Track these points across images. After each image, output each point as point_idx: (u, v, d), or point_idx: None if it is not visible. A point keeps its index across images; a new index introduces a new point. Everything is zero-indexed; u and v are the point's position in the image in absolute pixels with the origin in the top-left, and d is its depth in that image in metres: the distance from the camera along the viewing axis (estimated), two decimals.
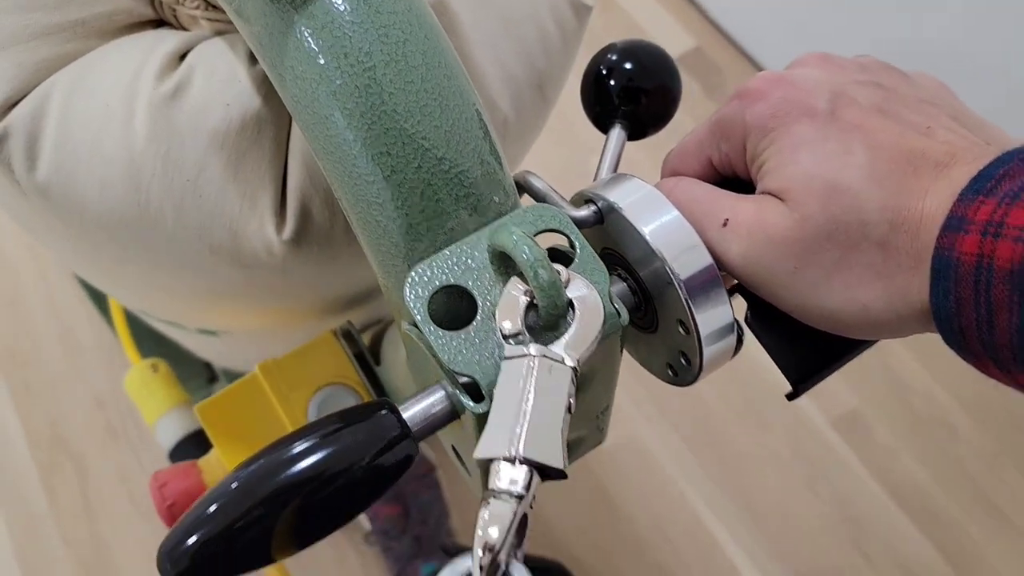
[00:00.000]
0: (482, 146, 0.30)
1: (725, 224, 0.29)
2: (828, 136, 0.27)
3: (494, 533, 0.23)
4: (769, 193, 0.28)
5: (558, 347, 0.26)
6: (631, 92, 0.35)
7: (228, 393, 0.49)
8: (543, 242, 0.29)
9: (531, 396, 0.25)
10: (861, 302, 0.27)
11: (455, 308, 0.29)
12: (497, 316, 0.27)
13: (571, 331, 0.26)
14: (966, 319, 0.24)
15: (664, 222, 0.29)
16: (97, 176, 0.34)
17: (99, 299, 1.08)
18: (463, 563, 0.25)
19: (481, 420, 0.28)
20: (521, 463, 0.24)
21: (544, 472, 0.25)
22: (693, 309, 0.29)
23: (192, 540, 0.27)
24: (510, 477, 0.24)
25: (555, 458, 0.25)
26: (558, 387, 0.26)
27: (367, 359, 0.53)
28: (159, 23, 0.38)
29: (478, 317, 0.28)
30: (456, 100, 0.29)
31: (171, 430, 0.73)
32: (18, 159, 0.34)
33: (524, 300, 0.27)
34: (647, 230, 0.29)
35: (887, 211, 0.26)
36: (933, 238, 0.24)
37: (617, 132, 0.35)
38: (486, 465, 0.25)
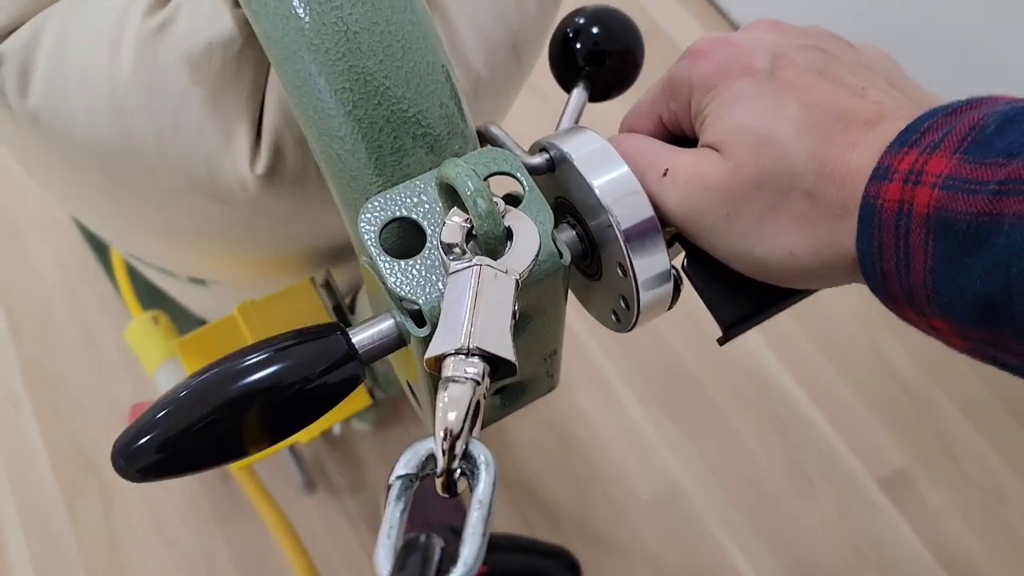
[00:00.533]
0: (443, 90, 0.32)
1: (665, 174, 0.30)
2: (764, 92, 0.29)
3: (453, 415, 0.24)
4: (708, 146, 0.30)
5: (499, 264, 0.28)
6: (595, 55, 0.36)
7: (208, 330, 0.52)
8: (499, 188, 0.31)
9: (478, 297, 0.27)
10: (788, 248, 0.28)
11: (408, 243, 0.31)
12: (440, 238, 0.28)
13: (509, 252, 0.28)
14: (887, 263, 0.25)
15: (610, 173, 0.31)
16: (84, 104, 0.36)
17: (102, 251, 1.10)
18: (424, 445, 0.25)
19: (425, 345, 0.29)
20: (473, 355, 0.25)
21: (495, 366, 0.26)
22: (631, 253, 0.31)
23: (144, 440, 0.29)
24: (464, 367, 0.25)
25: (505, 350, 0.26)
26: (503, 292, 0.27)
27: (344, 310, 0.55)
28: None
29: (426, 247, 0.30)
30: (419, 45, 0.31)
31: (171, 379, 0.75)
32: (11, 85, 0.36)
33: (465, 227, 0.28)
34: (594, 181, 0.31)
35: (814, 162, 0.27)
36: (859, 188, 0.26)
37: (579, 92, 0.36)
38: (438, 364, 0.26)
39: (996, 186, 0.23)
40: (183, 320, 0.89)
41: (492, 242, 0.28)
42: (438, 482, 0.25)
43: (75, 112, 0.36)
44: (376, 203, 0.30)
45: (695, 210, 0.30)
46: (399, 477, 0.25)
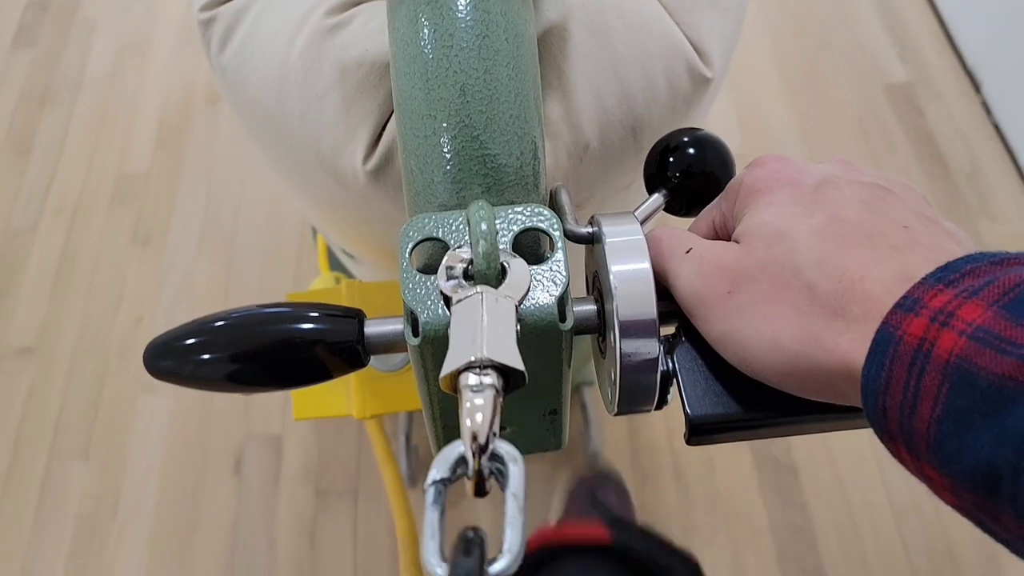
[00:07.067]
0: (524, 144, 0.35)
1: (688, 252, 0.32)
2: (799, 202, 0.30)
3: (479, 417, 0.26)
4: (734, 239, 0.31)
5: (499, 292, 0.30)
6: (685, 172, 0.38)
7: (314, 293, 0.58)
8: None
9: (484, 317, 0.29)
10: (774, 331, 0.28)
11: (439, 263, 0.34)
12: (443, 263, 0.31)
13: (505, 285, 0.31)
14: (892, 398, 0.24)
15: (631, 266, 0.32)
16: (259, 69, 0.43)
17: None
18: (453, 450, 0.27)
19: (415, 352, 0.33)
20: (486, 367, 0.27)
21: (506, 377, 0.28)
22: (621, 337, 0.32)
23: (171, 349, 0.34)
24: (481, 377, 0.27)
25: (515, 360, 0.27)
26: (506, 313, 0.30)
27: None
28: None
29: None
30: (513, 98, 0.34)
31: None
32: (215, 41, 0.44)
33: (466, 259, 0.31)
34: (613, 268, 0.32)
35: (823, 263, 0.27)
36: (868, 297, 0.26)
37: (658, 196, 0.38)
38: (454, 381, 0.28)
39: None
40: None
41: (487, 277, 0.31)
42: (469, 484, 0.27)
43: (251, 73, 0.43)
44: (419, 220, 0.34)
45: (701, 285, 0.31)
46: (433, 483, 0.27)
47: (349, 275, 0.96)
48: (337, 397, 0.57)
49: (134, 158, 1.44)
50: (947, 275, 0.24)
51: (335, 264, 1.02)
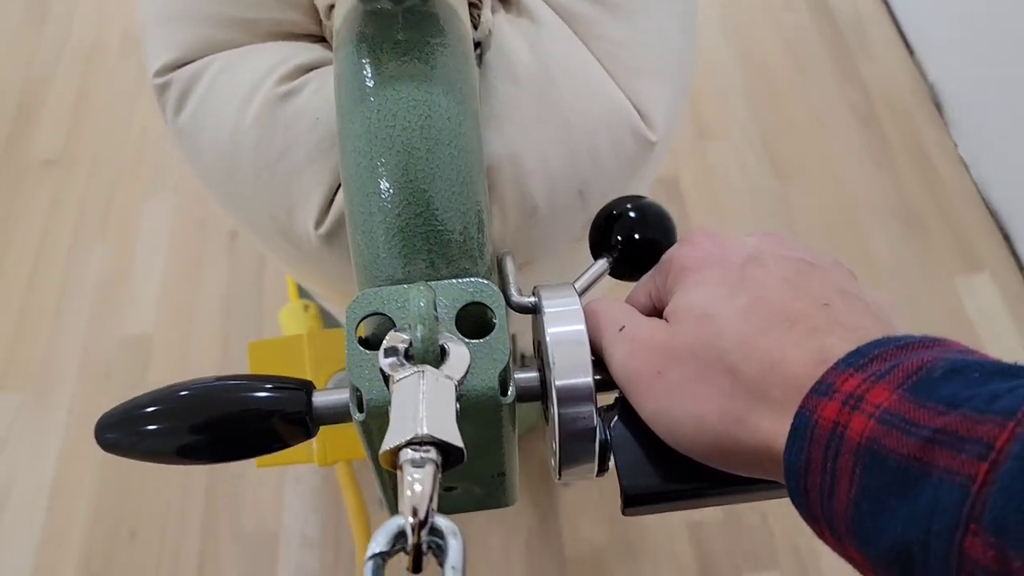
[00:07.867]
0: (468, 218, 0.36)
1: (621, 330, 0.33)
2: (726, 282, 0.31)
3: (419, 491, 0.26)
4: (664, 317, 0.32)
5: (440, 371, 0.31)
6: (628, 238, 0.39)
7: (277, 341, 0.58)
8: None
9: (425, 395, 0.30)
10: (699, 411, 0.29)
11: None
12: (383, 345, 0.32)
13: (445, 365, 0.31)
14: (812, 481, 0.25)
15: (568, 336, 0.33)
16: (213, 134, 0.44)
17: None
18: (393, 524, 0.27)
19: (360, 427, 0.33)
20: (426, 443, 0.28)
21: (446, 453, 0.28)
22: (558, 404, 0.33)
23: (123, 425, 0.35)
24: (420, 452, 0.27)
25: (454, 438, 0.28)
26: (445, 391, 0.30)
27: None
28: (319, 39, 0.47)
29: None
30: (455, 171, 0.35)
31: None
32: (171, 105, 0.45)
33: (405, 341, 0.32)
34: (550, 337, 0.33)
35: (745, 346, 0.28)
36: (787, 380, 0.27)
37: (603, 262, 0.39)
38: (394, 456, 0.28)
39: (930, 433, 0.22)
40: (331, 318, 0.99)
41: (426, 359, 0.31)
42: (407, 558, 0.27)
43: (204, 138, 0.44)
44: (366, 296, 0.35)
45: (634, 365, 0.32)
46: (372, 556, 0.28)
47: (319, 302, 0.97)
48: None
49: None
50: (857, 360, 0.25)
51: (306, 294, 1.03)
